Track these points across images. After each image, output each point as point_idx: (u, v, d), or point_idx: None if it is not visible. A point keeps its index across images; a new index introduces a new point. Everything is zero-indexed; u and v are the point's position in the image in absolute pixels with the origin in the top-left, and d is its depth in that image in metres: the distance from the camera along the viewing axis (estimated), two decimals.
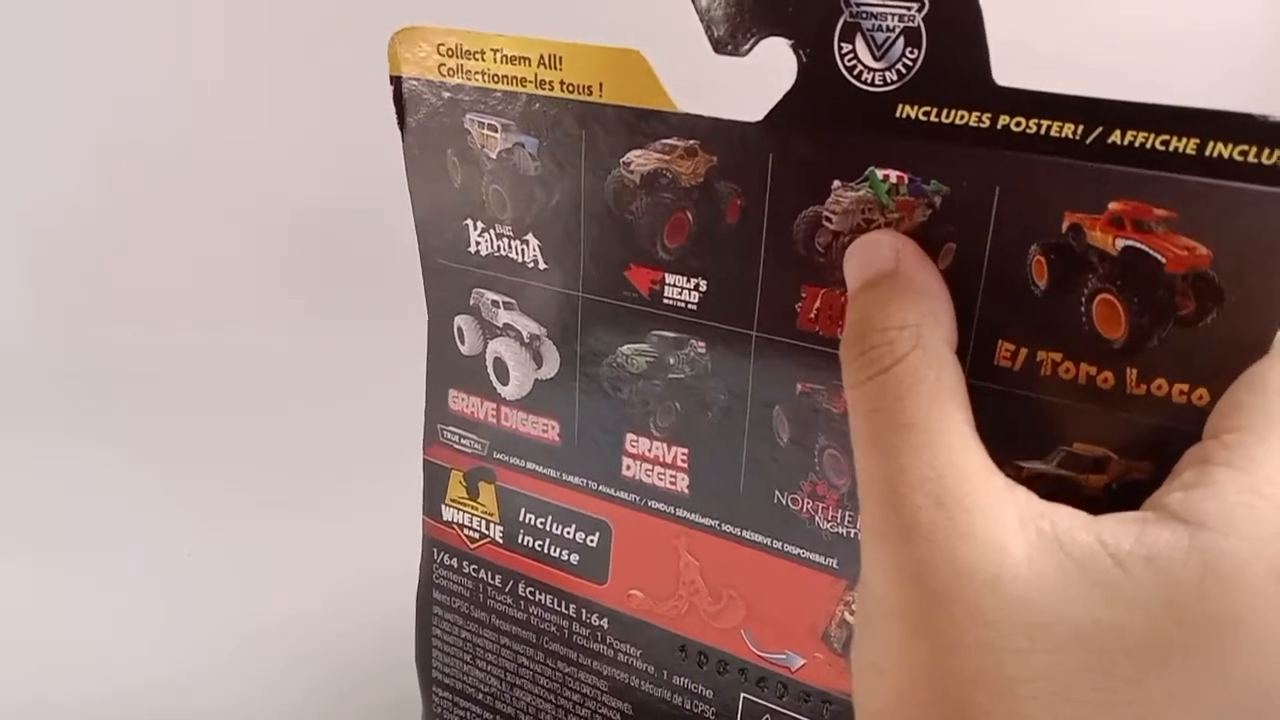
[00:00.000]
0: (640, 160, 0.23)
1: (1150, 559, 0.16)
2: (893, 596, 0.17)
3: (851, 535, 0.23)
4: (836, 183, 0.21)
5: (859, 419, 0.18)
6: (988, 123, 0.19)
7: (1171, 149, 0.18)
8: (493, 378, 0.27)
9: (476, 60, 0.24)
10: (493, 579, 0.29)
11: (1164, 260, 0.18)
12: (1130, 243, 0.18)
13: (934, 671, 0.17)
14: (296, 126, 0.60)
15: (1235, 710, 0.15)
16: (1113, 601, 0.16)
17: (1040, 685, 0.16)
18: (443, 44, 0.24)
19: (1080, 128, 0.18)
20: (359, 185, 0.53)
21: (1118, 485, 0.20)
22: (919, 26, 0.19)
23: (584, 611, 0.27)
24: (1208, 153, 0.17)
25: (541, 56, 0.23)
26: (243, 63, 0.60)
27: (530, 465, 0.27)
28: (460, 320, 0.27)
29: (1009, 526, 0.17)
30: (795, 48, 0.21)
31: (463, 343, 0.27)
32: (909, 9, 0.19)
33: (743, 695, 0.25)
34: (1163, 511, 0.17)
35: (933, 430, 0.17)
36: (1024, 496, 0.17)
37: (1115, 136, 0.18)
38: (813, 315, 0.22)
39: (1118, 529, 0.17)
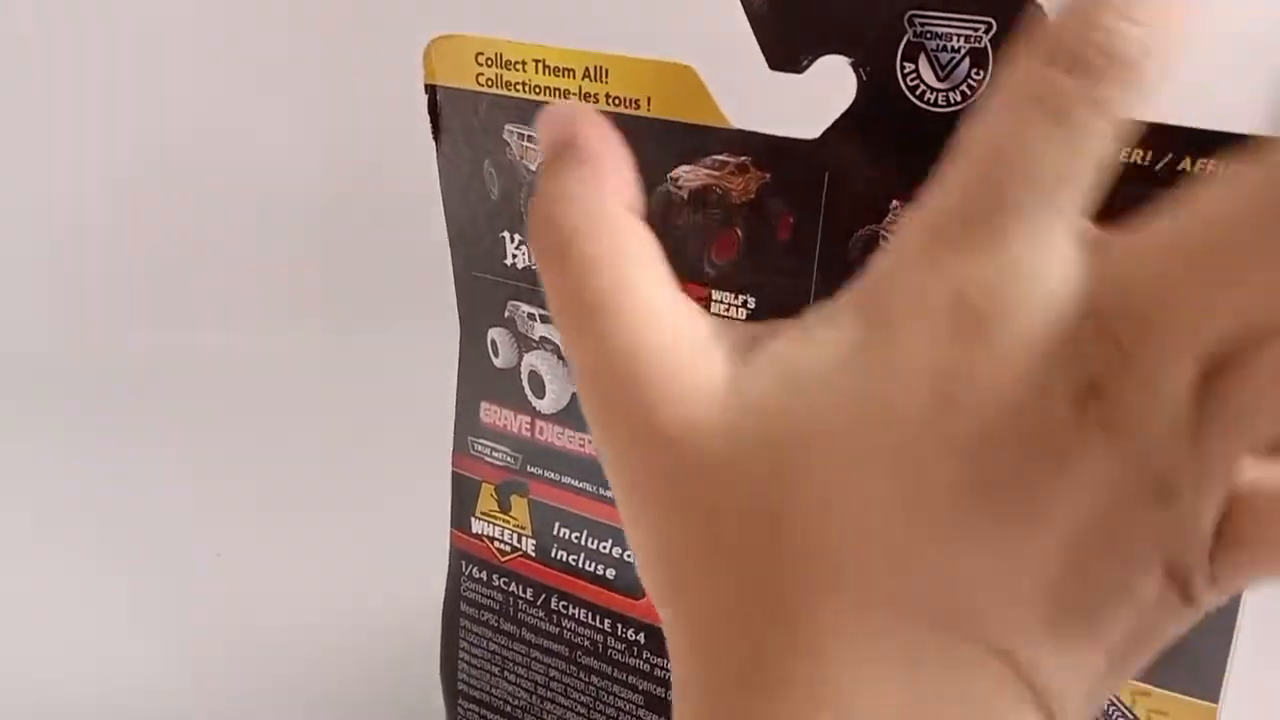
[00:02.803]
0: (689, 176, 0.23)
1: (829, 342, 0.17)
2: (616, 477, 0.18)
3: None
4: (895, 203, 0.21)
5: (550, 302, 0.18)
6: None
7: None
8: (528, 391, 0.27)
9: (517, 71, 0.24)
10: (524, 592, 0.28)
11: None
12: None
13: (655, 520, 0.18)
14: (327, 130, 0.59)
15: (902, 495, 0.16)
16: (787, 391, 0.17)
17: (738, 496, 0.17)
18: (481, 53, 0.24)
19: (1149, 154, 0.18)
20: (389, 190, 0.53)
21: None
22: (985, 48, 0.19)
23: (619, 626, 0.27)
24: None
25: (587, 69, 0.23)
26: (269, 66, 0.59)
27: (566, 479, 0.27)
28: (494, 333, 0.27)
29: (713, 369, 0.17)
30: (855, 66, 0.20)
31: (496, 355, 0.27)
32: (976, 30, 0.19)
33: None
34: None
35: (615, 308, 0.18)
36: (738, 331, 0.18)
37: (1185, 164, 0.18)
38: None
39: (820, 315, 0.17)
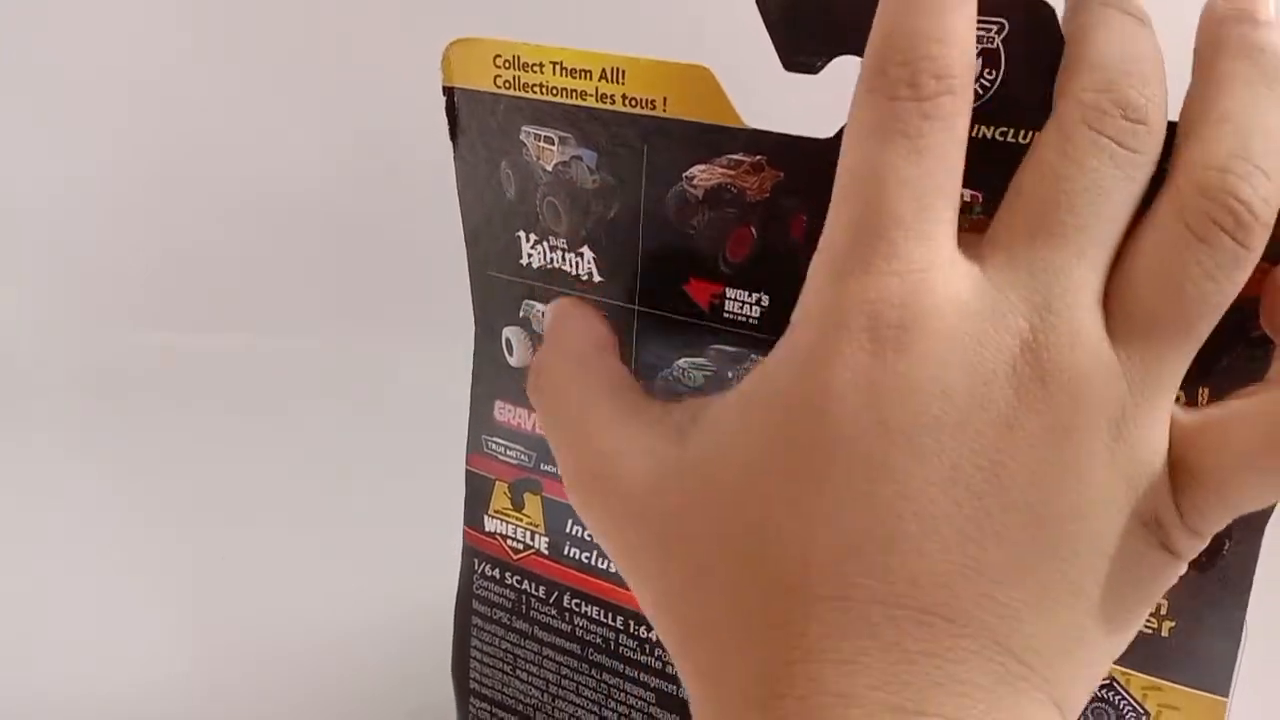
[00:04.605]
0: (704, 175, 0.23)
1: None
2: (612, 552, 0.21)
3: None
4: None
5: (538, 394, 0.23)
6: None
7: None
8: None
9: (534, 73, 0.24)
10: (536, 590, 0.28)
11: None
12: None
13: (652, 578, 0.20)
14: (342, 130, 0.59)
15: (860, 498, 0.17)
16: (738, 432, 0.19)
17: (713, 535, 0.19)
18: (499, 55, 0.24)
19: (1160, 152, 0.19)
20: (403, 189, 0.53)
21: None
22: (998, 48, 0.19)
23: (632, 623, 0.27)
24: None
25: (604, 70, 0.23)
26: (281, 66, 0.59)
27: None
28: (509, 332, 0.27)
29: (668, 440, 0.20)
30: None
31: (511, 354, 0.27)
32: (988, 30, 0.19)
33: None
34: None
35: (589, 404, 0.22)
36: (668, 411, 0.21)
37: None
38: None
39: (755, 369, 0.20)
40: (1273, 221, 0.17)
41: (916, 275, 0.17)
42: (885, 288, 0.17)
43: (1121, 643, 0.18)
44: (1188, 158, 0.17)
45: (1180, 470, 0.18)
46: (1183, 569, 0.18)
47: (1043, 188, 0.18)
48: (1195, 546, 0.18)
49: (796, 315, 0.19)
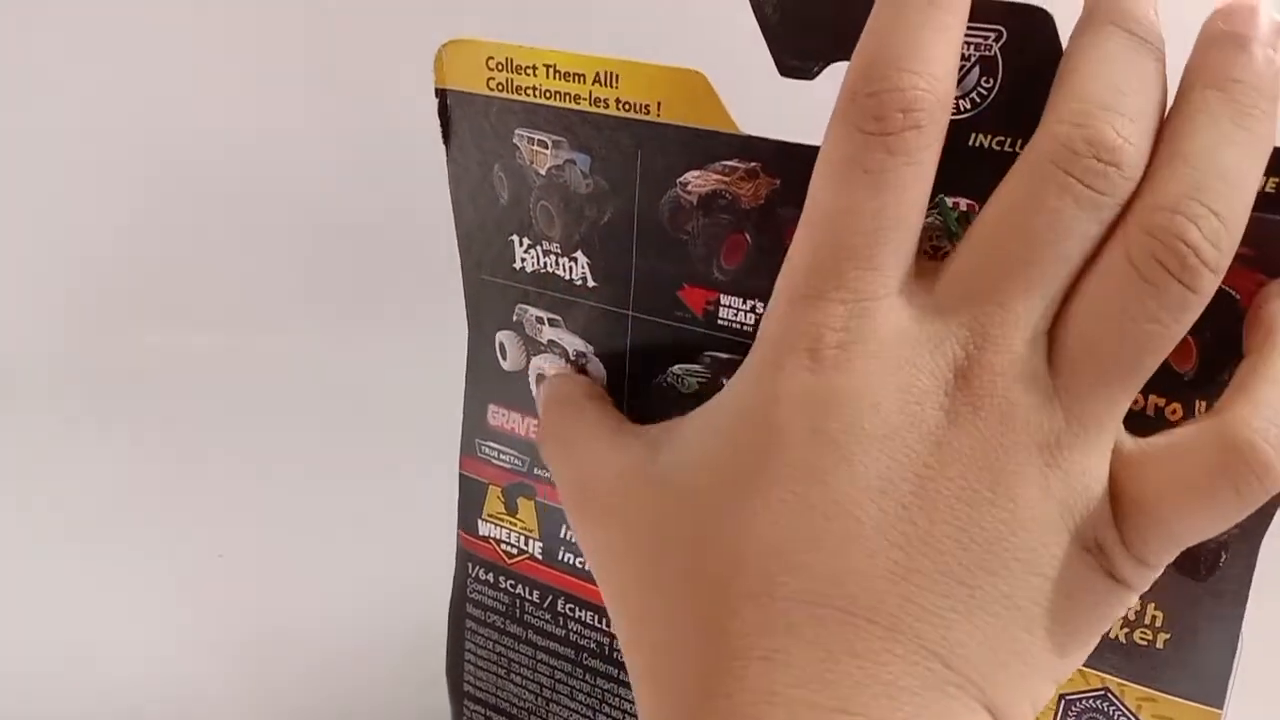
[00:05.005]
0: (698, 181, 0.23)
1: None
2: (587, 550, 0.23)
3: None
4: None
5: (542, 446, 0.25)
6: None
7: None
8: (535, 394, 0.27)
9: (528, 75, 0.24)
10: (530, 594, 0.28)
11: (1238, 296, 0.19)
12: None
13: (614, 572, 0.22)
14: (335, 132, 0.59)
15: (791, 502, 0.18)
16: (699, 447, 0.20)
17: (670, 537, 0.20)
18: (492, 58, 0.24)
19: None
20: (397, 192, 0.53)
21: None
22: (995, 56, 0.19)
23: None
24: None
25: (597, 74, 0.23)
26: (276, 67, 0.59)
27: None
28: (502, 336, 0.27)
29: (638, 452, 0.22)
30: None
31: (504, 358, 0.27)
32: (985, 38, 0.19)
33: None
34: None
35: (578, 440, 0.24)
36: (647, 430, 0.22)
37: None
38: None
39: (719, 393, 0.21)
40: (1225, 265, 0.17)
41: (863, 303, 0.18)
42: (830, 313, 0.18)
43: (1067, 664, 0.18)
44: (1142, 197, 0.17)
45: (1124, 499, 0.18)
46: (1132, 599, 0.18)
47: (1001, 221, 0.18)
48: (1144, 575, 0.18)
49: (758, 337, 0.20)
